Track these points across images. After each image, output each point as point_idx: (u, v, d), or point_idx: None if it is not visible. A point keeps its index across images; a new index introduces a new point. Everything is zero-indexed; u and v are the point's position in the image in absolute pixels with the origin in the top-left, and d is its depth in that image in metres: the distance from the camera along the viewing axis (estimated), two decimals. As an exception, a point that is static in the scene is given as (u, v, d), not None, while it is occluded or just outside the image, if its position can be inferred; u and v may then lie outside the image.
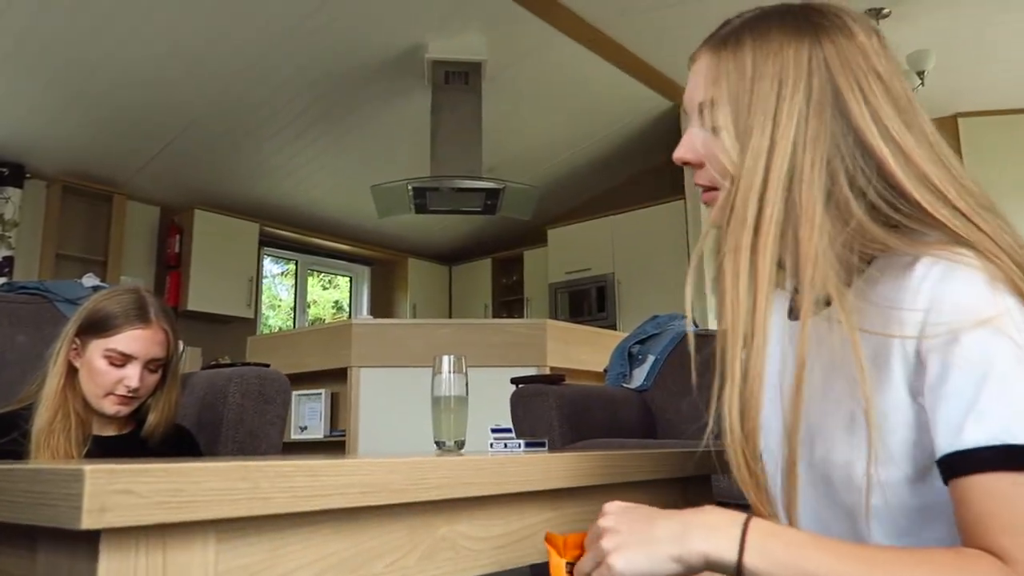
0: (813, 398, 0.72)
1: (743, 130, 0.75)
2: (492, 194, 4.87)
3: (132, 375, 1.39)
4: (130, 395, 1.40)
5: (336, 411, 3.93)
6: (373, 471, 0.64)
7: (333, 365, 3.83)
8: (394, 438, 3.63)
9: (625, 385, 2.83)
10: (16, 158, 4.87)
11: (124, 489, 0.49)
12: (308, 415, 3.96)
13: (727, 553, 0.63)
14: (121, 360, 1.39)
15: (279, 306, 6.95)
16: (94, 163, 5.17)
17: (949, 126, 5.43)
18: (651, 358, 2.78)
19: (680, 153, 0.82)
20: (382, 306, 7.33)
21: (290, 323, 6.87)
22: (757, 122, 0.74)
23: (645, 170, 6.53)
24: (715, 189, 0.80)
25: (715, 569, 0.64)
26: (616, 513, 0.68)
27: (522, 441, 1.22)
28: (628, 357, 2.87)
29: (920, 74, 4.49)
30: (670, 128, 5.66)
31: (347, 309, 7.40)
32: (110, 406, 1.40)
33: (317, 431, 3.91)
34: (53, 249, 5.02)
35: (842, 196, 0.72)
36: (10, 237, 4.77)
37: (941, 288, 0.66)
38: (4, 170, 4.81)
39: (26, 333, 2.17)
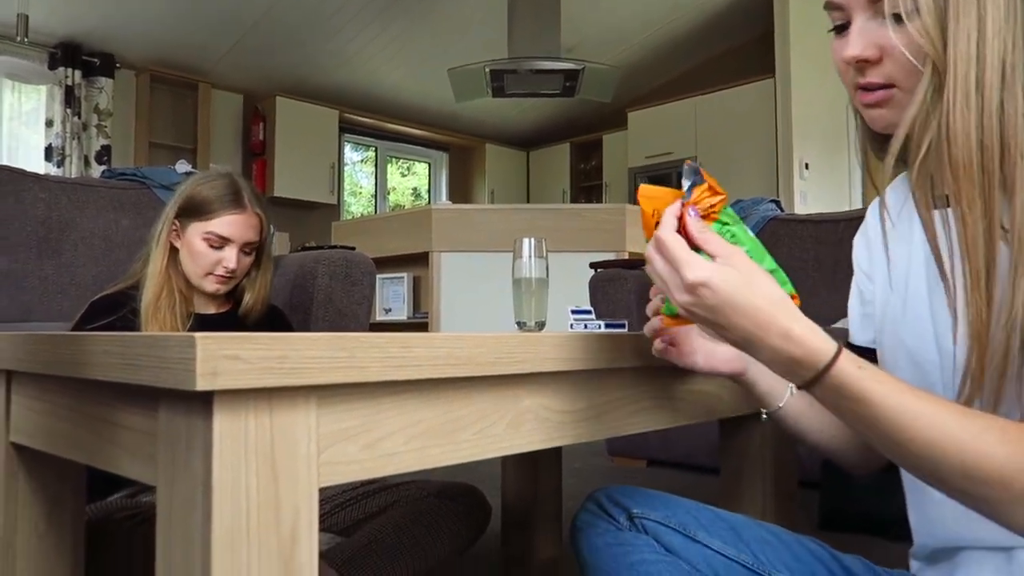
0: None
1: (943, 9, 0.68)
2: (571, 75, 4.72)
3: (229, 257, 1.46)
4: (227, 276, 1.48)
5: (418, 294, 4.05)
6: (462, 345, 0.67)
7: (415, 250, 3.92)
8: (474, 320, 3.73)
9: (705, 270, 2.79)
10: (105, 48, 4.98)
11: (233, 355, 0.53)
12: (392, 298, 4.10)
13: (793, 382, 0.67)
14: (219, 242, 1.46)
15: (360, 193, 7.08)
16: (179, 52, 5.25)
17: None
18: (734, 243, 2.72)
19: (858, 51, 0.73)
20: (460, 192, 7.37)
21: (370, 210, 7.01)
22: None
23: (731, 48, 6.18)
24: (888, 87, 0.73)
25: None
26: (709, 293, 0.66)
27: (602, 322, 1.24)
28: (710, 242, 2.81)
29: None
30: (758, 2, 5.30)
31: (425, 196, 7.48)
32: (209, 285, 1.48)
33: (400, 313, 4.05)
34: (146, 137, 5.20)
35: None
36: (106, 126, 4.95)
37: None
38: (95, 60, 4.93)
39: (128, 217, 2.29)
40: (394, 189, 7.33)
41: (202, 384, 0.52)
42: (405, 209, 6.88)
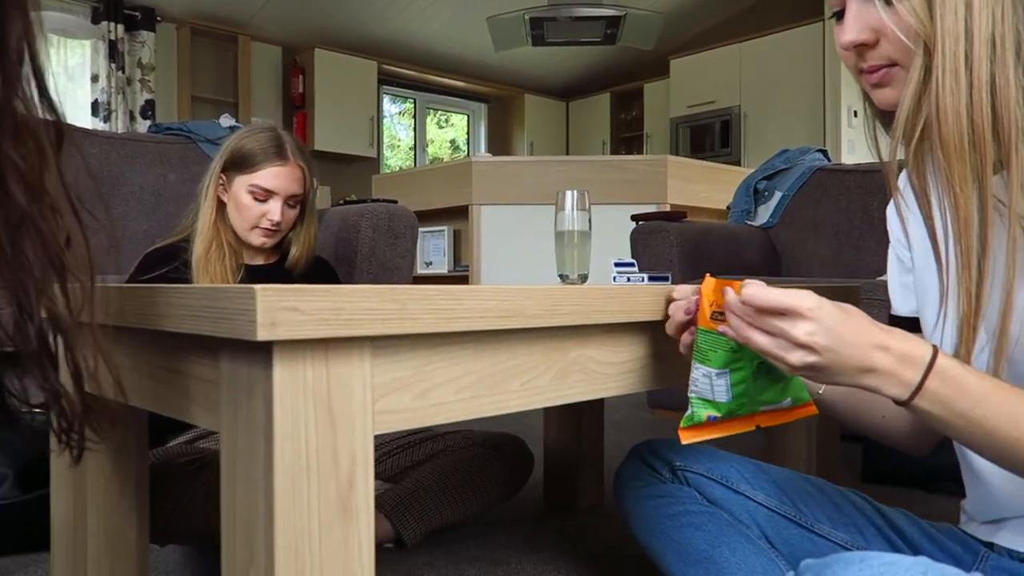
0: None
1: None
2: (612, 22, 4.62)
3: (274, 209, 1.48)
4: (273, 228, 1.50)
5: (458, 247, 4.07)
6: (511, 297, 0.68)
7: (455, 203, 3.93)
8: (515, 272, 3.75)
9: (749, 222, 2.75)
10: (146, 2, 5.00)
11: (291, 307, 0.54)
12: (432, 251, 4.12)
13: (899, 395, 0.66)
14: (263, 195, 1.48)
15: (398, 146, 7.07)
16: (218, 4, 5.25)
17: None
18: (778, 194, 2.67)
19: (854, 35, 0.73)
20: (499, 144, 7.32)
21: (409, 162, 7.01)
22: None
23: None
24: (890, 66, 0.73)
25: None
26: (816, 332, 0.65)
27: (645, 274, 1.24)
28: (754, 193, 2.77)
29: None
30: (810, -61, 5.08)
31: (463, 148, 7.44)
32: (256, 238, 1.51)
33: (441, 266, 4.08)
34: (189, 91, 5.25)
35: None
36: (149, 80, 5.00)
37: None
38: (136, 14, 4.96)
39: (175, 172, 2.33)
40: (432, 141, 7.31)
41: (262, 334, 0.53)
42: (444, 162, 6.88)
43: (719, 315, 0.72)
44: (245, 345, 0.58)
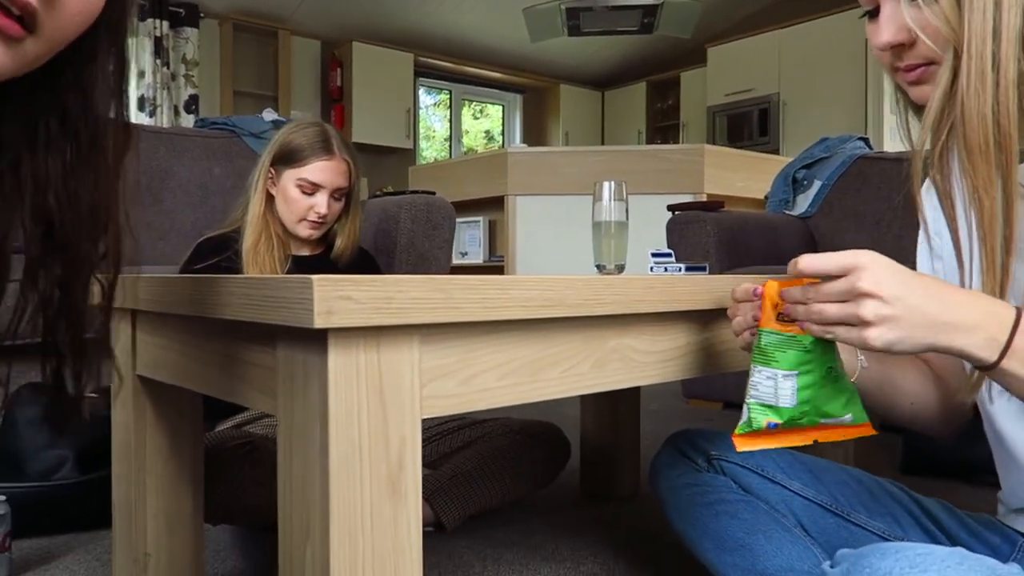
0: None
1: None
2: (649, 10, 4.59)
3: (321, 202, 1.53)
4: (319, 221, 1.54)
5: (494, 237, 4.10)
6: (553, 287, 0.70)
7: (491, 193, 3.95)
8: (550, 262, 3.76)
9: (787, 212, 2.73)
10: (189, -2, 5.11)
11: (346, 296, 0.57)
12: (468, 241, 4.16)
13: (987, 357, 0.63)
14: (311, 188, 1.52)
15: (433, 137, 7.11)
16: (258, 0, 5.33)
17: None
18: (817, 183, 2.64)
19: (888, 37, 0.73)
20: (534, 134, 7.32)
21: (444, 153, 7.05)
22: None
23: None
24: (928, 64, 0.73)
25: (968, 361, 0.65)
26: (881, 279, 0.63)
27: (683, 265, 1.25)
28: (792, 183, 2.74)
29: None
30: (855, -78, 4.98)
31: (498, 138, 7.46)
32: (303, 230, 1.55)
33: (477, 256, 4.12)
34: (230, 85, 5.35)
35: None
36: (193, 76, 5.11)
37: None
38: (180, 10, 5.07)
39: (220, 165, 2.39)
40: (467, 132, 7.34)
41: (319, 322, 0.56)
42: (479, 152, 6.90)
43: (785, 317, 0.71)
44: (301, 332, 0.61)
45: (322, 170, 1.52)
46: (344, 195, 1.58)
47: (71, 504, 1.37)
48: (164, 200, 2.31)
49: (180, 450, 1.03)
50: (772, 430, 0.74)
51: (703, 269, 1.25)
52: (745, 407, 0.74)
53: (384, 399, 0.62)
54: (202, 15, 5.20)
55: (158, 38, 4.96)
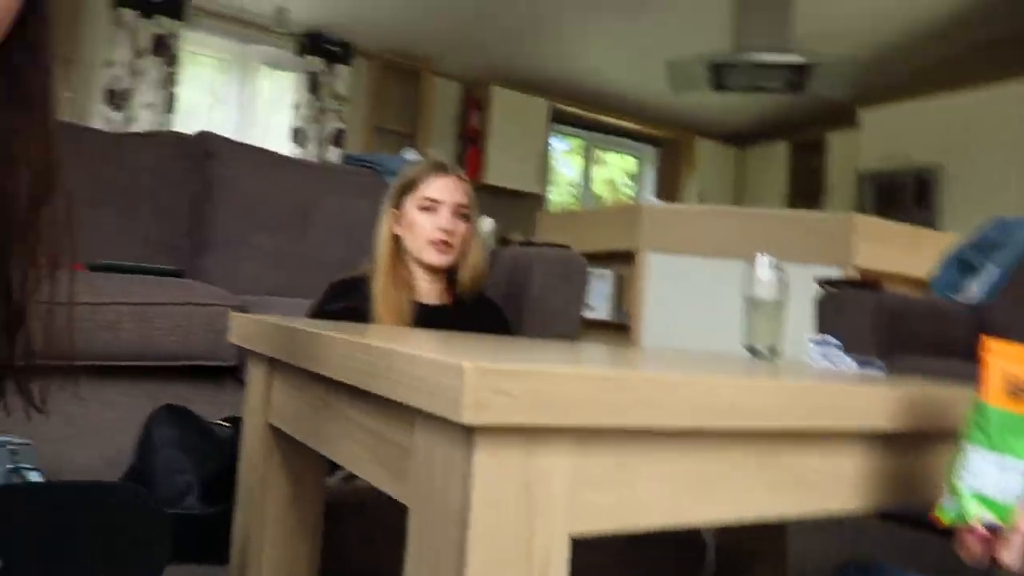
0: None
1: None
2: (800, 70, 4.41)
3: (444, 217, 1.55)
4: (445, 239, 1.52)
5: (621, 293, 3.98)
6: (728, 391, 0.60)
7: (621, 247, 3.85)
8: (682, 327, 3.60)
9: (954, 297, 2.48)
10: (344, 37, 5.36)
11: (500, 390, 0.50)
12: (595, 295, 4.06)
13: None
14: (432, 205, 1.55)
15: (558, 182, 7.12)
16: (408, 40, 5.54)
17: None
18: (993, 269, 2.38)
19: None
20: (667, 189, 7.18)
21: (568, 198, 7.02)
22: None
23: (988, 40, 5.44)
24: None
25: None
26: None
27: (853, 359, 1.11)
28: (962, 265, 2.49)
29: None
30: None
31: (625, 190, 7.37)
32: (432, 255, 1.54)
33: (603, 312, 4.01)
34: (373, 122, 5.55)
35: None
36: (341, 111, 5.34)
37: None
38: (337, 49, 5.33)
39: (365, 201, 2.43)
40: (591, 180, 7.30)
41: (468, 417, 0.49)
42: (609, 203, 6.83)
43: (1021, 391, 0.57)
44: (444, 421, 0.54)
45: (439, 187, 1.55)
46: (465, 215, 1.56)
47: (195, 535, 1.36)
48: (310, 233, 2.36)
49: (302, 499, 0.99)
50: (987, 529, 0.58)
51: (878, 367, 1.10)
52: (955, 492, 0.59)
53: (531, 508, 0.54)
54: (355, 54, 5.45)
55: (313, 74, 5.22)
